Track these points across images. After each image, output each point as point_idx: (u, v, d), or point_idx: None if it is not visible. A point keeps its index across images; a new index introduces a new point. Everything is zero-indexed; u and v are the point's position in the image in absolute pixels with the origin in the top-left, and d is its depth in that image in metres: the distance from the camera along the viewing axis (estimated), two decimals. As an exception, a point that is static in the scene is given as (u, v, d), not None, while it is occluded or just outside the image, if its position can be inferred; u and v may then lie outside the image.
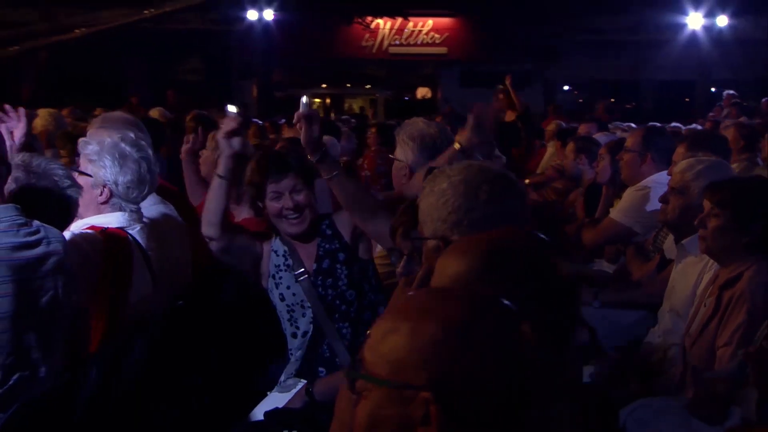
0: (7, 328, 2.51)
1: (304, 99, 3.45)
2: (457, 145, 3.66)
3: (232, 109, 3.16)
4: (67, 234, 2.97)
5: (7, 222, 2.57)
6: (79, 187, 3.05)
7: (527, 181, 7.27)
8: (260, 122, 9.75)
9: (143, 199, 3.29)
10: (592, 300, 4.26)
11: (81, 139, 3.31)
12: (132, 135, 3.34)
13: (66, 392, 2.63)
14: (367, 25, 21.95)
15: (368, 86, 25.65)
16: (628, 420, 2.86)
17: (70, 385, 2.65)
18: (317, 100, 23.84)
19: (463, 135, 3.76)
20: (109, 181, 3.14)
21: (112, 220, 3.17)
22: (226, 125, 3.51)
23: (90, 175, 3.14)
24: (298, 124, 3.39)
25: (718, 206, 3.15)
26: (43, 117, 6.70)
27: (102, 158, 3.14)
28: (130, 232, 3.17)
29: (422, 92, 24.77)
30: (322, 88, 24.83)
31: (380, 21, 22.27)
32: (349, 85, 25.95)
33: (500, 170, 2.47)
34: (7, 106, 3.96)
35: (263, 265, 3.61)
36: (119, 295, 3.07)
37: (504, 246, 1.78)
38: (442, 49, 22.56)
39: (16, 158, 2.97)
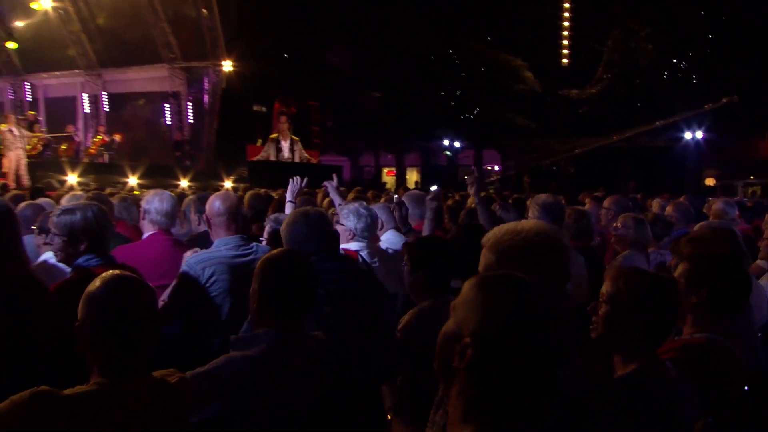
0: (226, 301, 3.50)
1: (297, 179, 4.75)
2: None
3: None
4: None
5: (232, 245, 3.65)
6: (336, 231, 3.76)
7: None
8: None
9: (373, 233, 4.45)
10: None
11: (338, 207, 4.60)
12: (364, 203, 4.55)
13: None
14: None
15: (783, 174, 28.01)
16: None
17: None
18: (756, 187, 27.54)
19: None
20: (351, 228, 4.39)
21: (352, 246, 4.32)
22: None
23: (343, 225, 4.37)
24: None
25: None
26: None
27: (348, 218, 4.40)
28: (360, 253, 4.17)
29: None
30: (751, 179, 28.30)
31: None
32: (769, 176, 28.45)
33: (314, 212, 3.38)
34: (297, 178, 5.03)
35: None
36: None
37: (273, 261, 2.47)
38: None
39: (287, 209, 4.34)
